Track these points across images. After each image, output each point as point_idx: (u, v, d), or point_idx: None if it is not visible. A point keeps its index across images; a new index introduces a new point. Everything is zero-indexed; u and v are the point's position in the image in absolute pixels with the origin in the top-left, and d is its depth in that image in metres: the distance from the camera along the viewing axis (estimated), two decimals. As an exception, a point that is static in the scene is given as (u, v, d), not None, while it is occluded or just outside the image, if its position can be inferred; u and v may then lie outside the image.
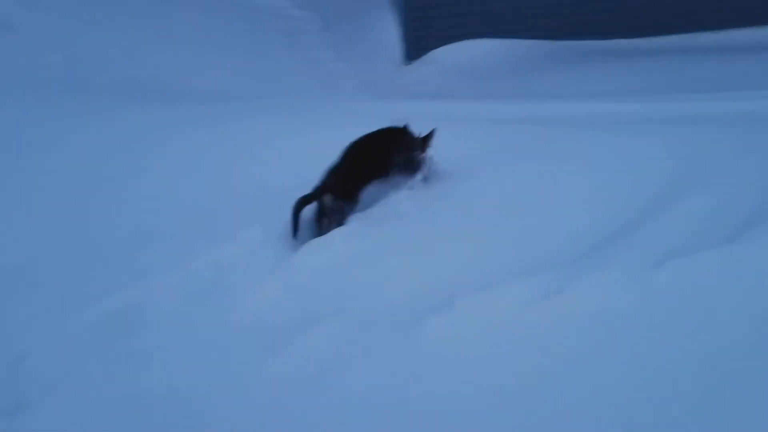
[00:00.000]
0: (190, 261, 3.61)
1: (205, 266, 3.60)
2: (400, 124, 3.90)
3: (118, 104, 5.89)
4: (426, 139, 3.83)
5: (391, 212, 3.81)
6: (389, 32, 9.17)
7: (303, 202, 3.66)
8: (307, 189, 4.01)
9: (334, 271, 3.42)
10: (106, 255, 3.85)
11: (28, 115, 5.53)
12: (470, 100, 6.98)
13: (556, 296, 2.92)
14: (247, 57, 8.70)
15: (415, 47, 8.67)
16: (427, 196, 3.87)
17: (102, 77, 7.44)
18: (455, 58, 8.51)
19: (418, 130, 3.93)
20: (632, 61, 7.70)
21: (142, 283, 3.49)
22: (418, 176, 3.82)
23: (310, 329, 3.05)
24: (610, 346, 2.72)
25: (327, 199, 3.70)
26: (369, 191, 3.93)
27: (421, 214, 3.76)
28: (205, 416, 2.74)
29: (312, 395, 2.74)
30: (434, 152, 3.92)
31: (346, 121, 5.52)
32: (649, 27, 8.58)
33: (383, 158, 3.74)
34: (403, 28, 8.79)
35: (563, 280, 2.99)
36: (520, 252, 3.30)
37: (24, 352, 3.16)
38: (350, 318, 3.07)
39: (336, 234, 3.68)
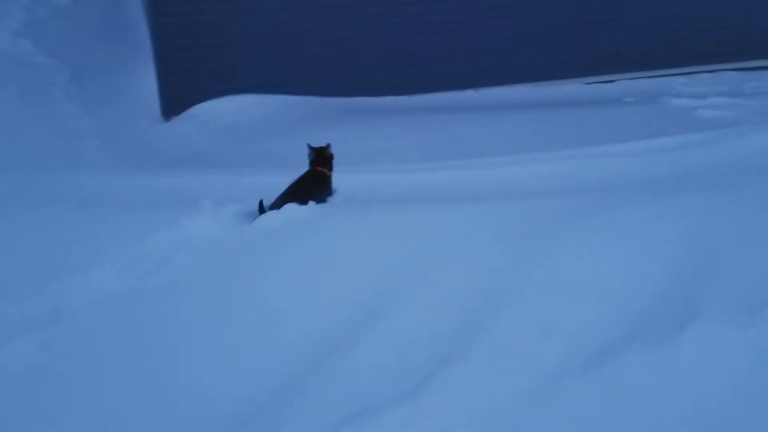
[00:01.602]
0: None
1: None
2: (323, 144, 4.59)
3: None
4: (329, 159, 4.65)
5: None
6: (149, 84, 8.19)
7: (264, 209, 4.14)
8: None
9: None
10: None
11: None
12: (224, 169, 6.18)
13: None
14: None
15: (174, 102, 7.76)
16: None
17: None
18: (219, 114, 7.70)
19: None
20: (402, 119, 7.26)
21: None
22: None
23: None
24: None
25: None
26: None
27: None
28: None
29: None
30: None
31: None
32: (421, 84, 8.28)
33: (307, 191, 4.37)
34: (159, 79, 7.85)
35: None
36: None
37: None
38: None
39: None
